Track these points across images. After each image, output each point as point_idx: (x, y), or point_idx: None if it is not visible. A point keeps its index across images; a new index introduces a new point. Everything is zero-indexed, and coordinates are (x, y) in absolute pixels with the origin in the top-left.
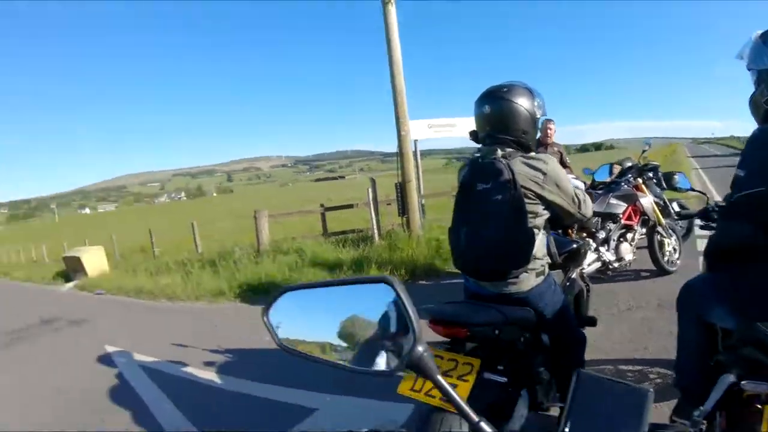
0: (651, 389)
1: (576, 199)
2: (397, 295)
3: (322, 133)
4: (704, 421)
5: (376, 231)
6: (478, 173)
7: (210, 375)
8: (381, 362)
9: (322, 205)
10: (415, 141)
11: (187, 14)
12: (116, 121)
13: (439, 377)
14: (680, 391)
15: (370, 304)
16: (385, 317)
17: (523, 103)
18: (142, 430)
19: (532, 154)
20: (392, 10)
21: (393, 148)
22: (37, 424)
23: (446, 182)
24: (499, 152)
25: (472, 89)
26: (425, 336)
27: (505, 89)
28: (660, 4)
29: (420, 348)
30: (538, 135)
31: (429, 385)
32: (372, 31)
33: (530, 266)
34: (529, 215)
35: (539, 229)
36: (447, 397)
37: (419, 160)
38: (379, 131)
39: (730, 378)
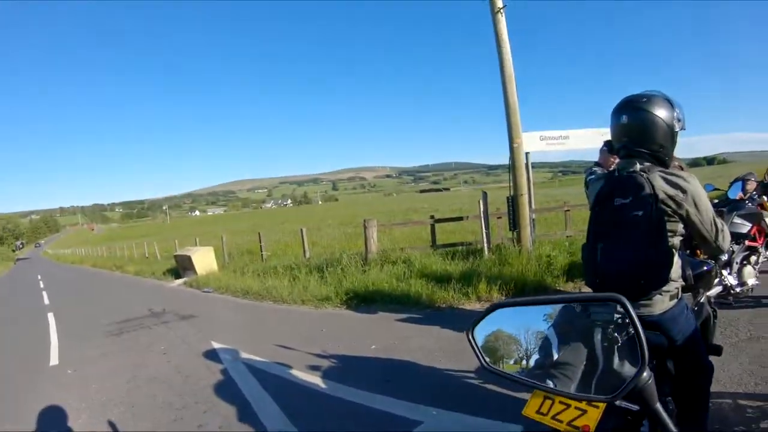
0: None
1: (714, 226)
2: (629, 316)
3: (426, 144)
4: None
5: (486, 245)
6: (616, 187)
7: (315, 379)
8: (598, 386)
9: (432, 217)
10: (527, 153)
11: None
12: (226, 130)
13: (658, 406)
14: None
15: (588, 323)
16: (605, 339)
17: (662, 114)
18: (245, 428)
19: (673, 170)
20: (502, 20)
21: (497, 160)
22: (137, 411)
23: (553, 197)
24: (638, 165)
25: (583, 100)
26: None
27: (644, 99)
28: None
29: (646, 374)
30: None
31: (557, 408)
32: (477, 40)
33: (665, 288)
34: (668, 233)
35: (676, 248)
36: (663, 428)
37: (531, 173)
38: (484, 143)
39: None
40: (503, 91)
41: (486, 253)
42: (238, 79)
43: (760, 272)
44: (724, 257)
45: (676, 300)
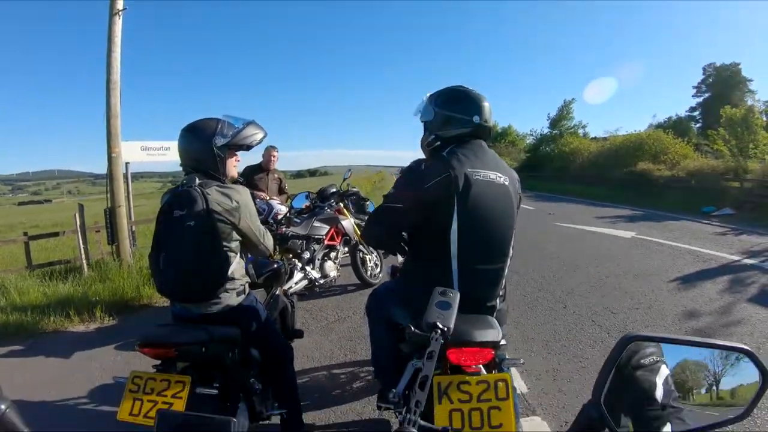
0: (233, 419)
1: (259, 231)
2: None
3: (26, 150)
4: (400, 401)
5: (84, 261)
6: (176, 200)
7: None
8: None
9: (25, 234)
10: (127, 164)
11: None
12: None
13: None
14: (380, 382)
15: None
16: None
17: (197, 133)
18: None
19: (228, 184)
20: (119, 23)
21: (103, 169)
22: None
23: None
24: (197, 181)
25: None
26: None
27: (193, 123)
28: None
29: (2, 406)
30: (235, 162)
31: (147, 407)
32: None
33: (229, 286)
34: (224, 239)
35: (235, 252)
36: None
37: (130, 184)
38: (88, 150)
39: (416, 363)
40: (106, 97)
41: (86, 270)
42: None
43: (342, 266)
44: (307, 255)
45: (243, 296)
